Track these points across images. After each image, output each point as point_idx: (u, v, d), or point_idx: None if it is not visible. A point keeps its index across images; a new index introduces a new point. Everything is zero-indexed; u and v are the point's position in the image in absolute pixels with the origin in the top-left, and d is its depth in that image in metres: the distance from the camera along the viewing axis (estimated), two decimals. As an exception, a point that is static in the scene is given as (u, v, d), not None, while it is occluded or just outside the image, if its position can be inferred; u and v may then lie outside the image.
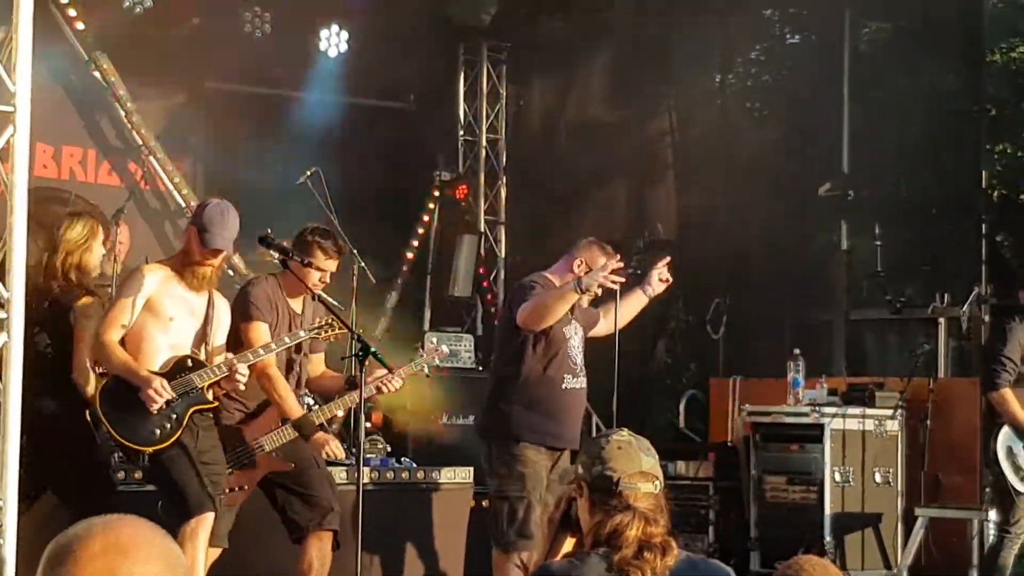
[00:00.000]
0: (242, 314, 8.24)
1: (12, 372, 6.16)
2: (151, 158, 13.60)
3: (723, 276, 14.51)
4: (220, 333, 7.95)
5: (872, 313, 13.97)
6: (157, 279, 7.64)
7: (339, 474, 10.95)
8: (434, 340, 9.33)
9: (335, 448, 8.42)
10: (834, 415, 11.56)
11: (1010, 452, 9.48)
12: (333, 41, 14.74)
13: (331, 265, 8.54)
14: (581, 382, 8.50)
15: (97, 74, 13.49)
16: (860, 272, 14.02)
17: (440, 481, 11.86)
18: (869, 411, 11.74)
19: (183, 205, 13.65)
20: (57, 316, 7.88)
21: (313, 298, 8.49)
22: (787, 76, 15.60)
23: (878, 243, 13.50)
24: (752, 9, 15.31)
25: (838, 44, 14.37)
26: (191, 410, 7.65)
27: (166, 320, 7.63)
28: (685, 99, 15.59)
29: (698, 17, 14.85)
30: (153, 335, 7.62)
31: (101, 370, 7.81)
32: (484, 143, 16.14)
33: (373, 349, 7.82)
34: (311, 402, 11.69)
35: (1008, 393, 9.52)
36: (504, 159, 16.26)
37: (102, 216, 9.26)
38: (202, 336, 7.78)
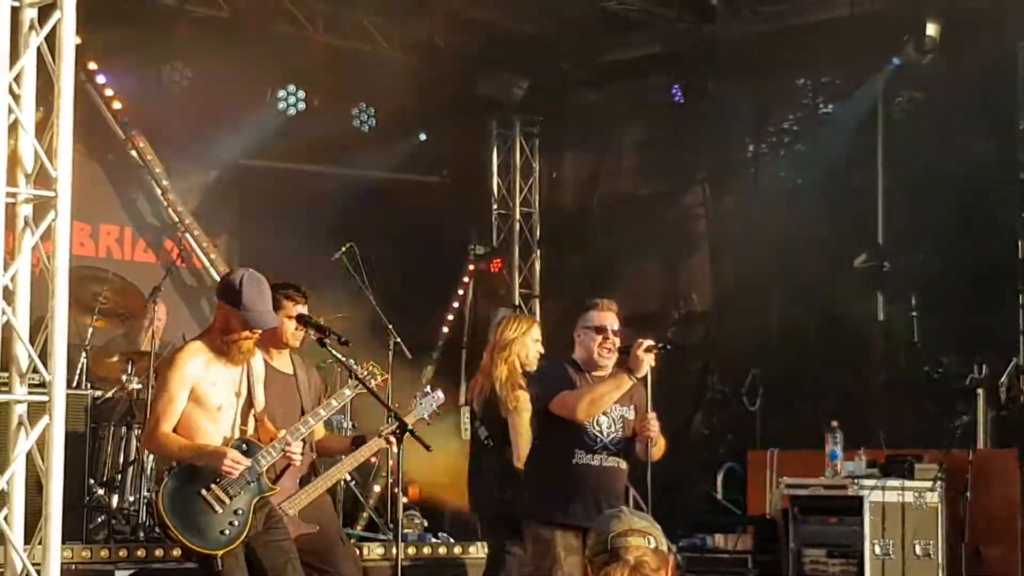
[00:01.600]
0: None
1: (55, 453, 6.18)
2: (187, 235, 13.69)
3: (759, 347, 14.48)
4: (260, 397, 7.70)
5: (910, 384, 13.91)
6: (199, 365, 7.42)
7: (376, 550, 10.94)
8: (428, 388, 9.28)
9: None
10: (873, 487, 11.48)
11: None
12: (363, 118, 14.85)
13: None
14: (602, 459, 8.33)
15: (134, 153, 13.61)
16: (897, 342, 13.97)
17: (477, 556, 11.82)
18: (908, 483, 11.65)
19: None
20: (492, 410, 9.01)
21: (351, 375, 8.42)
22: (821, 145, 15.58)
23: (914, 313, 13.47)
24: (785, 78, 15.34)
25: (871, 113, 14.38)
26: (255, 501, 7.49)
27: (214, 410, 7.44)
28: (718, 170, 15.61)
29: (730, 88, 14.91)
30: (202, 425, 7.42)
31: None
32: (518, 216, 16.21)
33: (410, 427, 7.82)
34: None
35: None
36: (538, 232, 16.31)
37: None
38: (248, 409, 7.61)
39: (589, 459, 8.26)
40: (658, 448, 8.33)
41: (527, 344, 9.46)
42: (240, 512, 7.38)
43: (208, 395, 7.40)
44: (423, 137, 15.54)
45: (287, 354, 8.44)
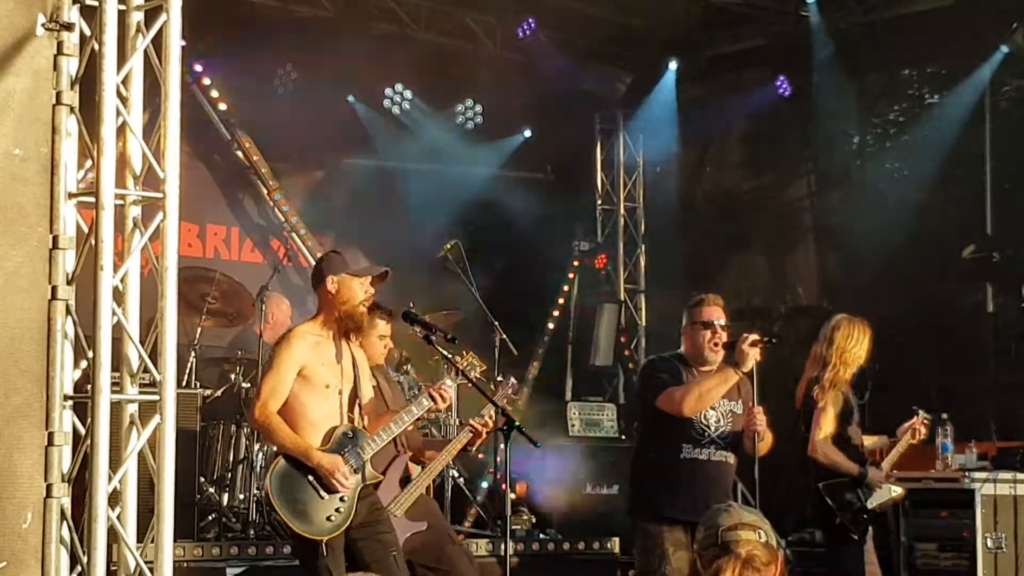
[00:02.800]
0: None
1: (166, 453, 6.23)
2: (293, 234, 13.80)
3: (867, 341, 14.36)
4: (367, 388, 7.85)
5: (1021, 376, 13.76)
6: (308, 344, 7.55)
7: (484, 546, 10.97)
8: (499, 377, 9.33)
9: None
10: (985, 480, 11.37)
11: None
12: (469, 115, 14.89)
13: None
14: (710, 453, 8.30)
15: (240, 153, 13.74)
16: (1008, 334, 13.82)
17: (585, 552, 11.83)
18: (1020, 475, 11.53)
19: (325, 280, 13.82)
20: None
21: (457, 373, 8.45)
22: (927, 136, 15.44)
23: (1024, 304, 13.34)
24: (890, 69, 15.21)
25: (978, 103, 14.22)
26: (359, 489, 7.55)
27: (322, 388, 7.53)
28: (823, 162, 15.51)
29: (835, 80, 14.80)
30: (310, 405, 7.51)
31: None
32: (622, 211, 16.18)
33: (517, 423, 7.83)
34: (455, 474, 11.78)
35: None
36: (642, 227, 16.28)
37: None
38: (354, 397, 7.68)
39: (697, 453, 8.25)
40: (765, 443, 8.31)
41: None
42: (345, 499, 7.46)
43: (317, 375, 7.50)
44: (528, 134, 15.55)
45: (369, 370, 8.54)
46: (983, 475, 11.41)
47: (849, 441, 9.19)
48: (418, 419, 8.26)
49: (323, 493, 7.43)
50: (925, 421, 9.86)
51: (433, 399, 7.82)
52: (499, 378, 9.39)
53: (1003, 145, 14.21)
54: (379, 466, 8.16)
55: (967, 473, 11.38)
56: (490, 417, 8.38)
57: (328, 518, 7.43)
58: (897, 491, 9.56)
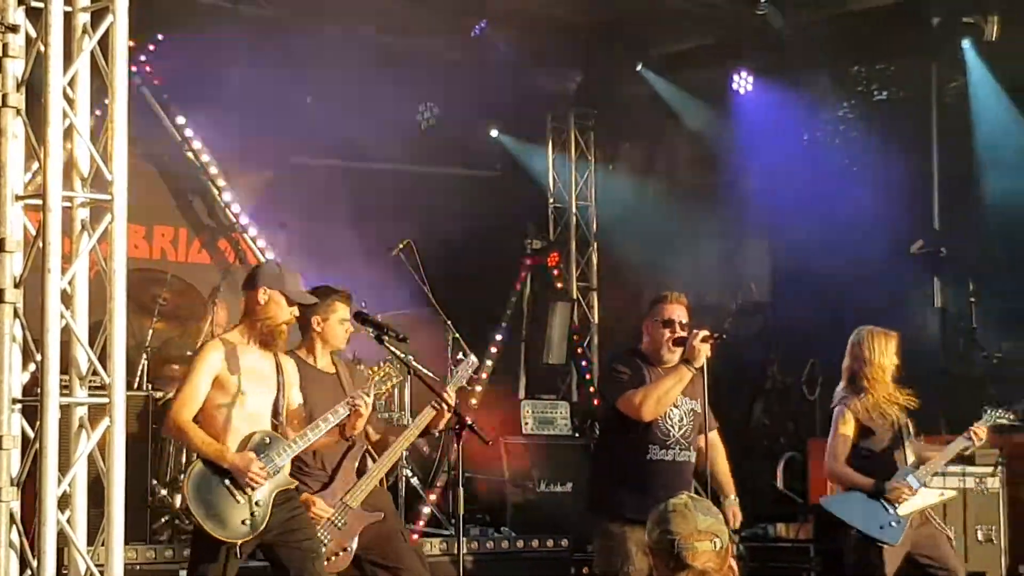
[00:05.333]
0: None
1: (116, 456, 6.24)
2: (243, 235, 13.78)
3: (817, 336, 14.42)
4: (294, 395, 7.89)
5: (969, 370, 13.85)
6: (224, 353, 7.58)
7: (438, 545, 10.99)
8: (461, 355, 9.35)
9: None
10: (934, 474, 11.43)
11: None
12: (424, 115, 14.89)
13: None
14: (675, 454, 8.34)
15: (189, 154, 13.71)
16: (955, 328, 13.90)
17: (539, 550, 11.86)
18: (969, 469, 11.61)
19: (277, 281, 13.81)
20: None
21: (410, 371, 8.45)
22: (875, 132, 15.52)
23: (972, 299, 13.41)
24: (839, 66, 15.28)
25: (925, 98, 14.31)
26: (275, 493, 7.60)
27: (238, 395, 7.57)
28: (774, 158, 15.57)
29: (785, 76, 14.87)
30: (228, 413, 7.56)
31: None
32: (574, 209, 16.21)
33: (470, 422, 7.83)
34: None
35: None
36: (594, 225, 16.31)
37: None
38: (276, 404, 7.72)
39: (663, 455, 8.28)
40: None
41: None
42: (260, 503, 7.50)
43: (230, 381, 7.55)
44: (495, 133, 15.59)
45: (329, 355, 8.53)
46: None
47: (871, 454, 9.18)
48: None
49: (238, 497, 7.47)
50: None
51: (352, 408, 7.78)
52: (460, 356, 9.41)
53: (950, 141, 14.30)
54: (332, 459, 8.21)
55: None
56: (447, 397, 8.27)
57: (243, 522, 7.48)
58: (945, 494, 9.56)
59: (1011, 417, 9.90)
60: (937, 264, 13.97)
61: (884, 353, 9.25)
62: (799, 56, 14.59)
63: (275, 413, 7.71)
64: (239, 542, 7.45)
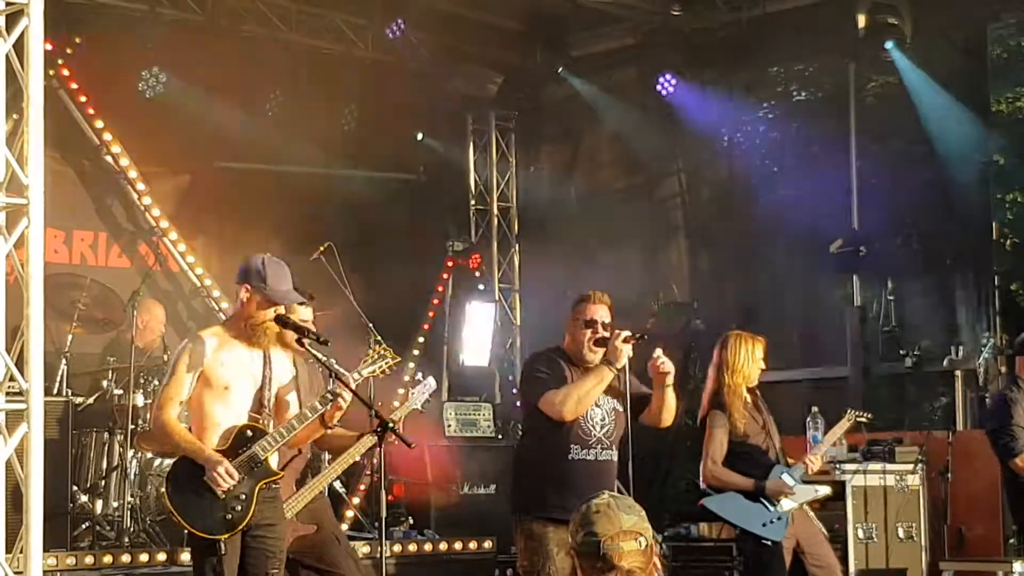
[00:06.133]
0: None
1: (34, 462, 6.19)
2: (163, 239, 13.71)
3: (738, 335, 14.52)
4: (289, 392, 7.69)
5: (888, 368, 13.97)
6: (210, 347, 7.44)
7: (361, 548, 10.96)
8: (419, 376, 9.35)
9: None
10: (855, 472, 11.55)
11: None
12: (343, 118, 14.85)
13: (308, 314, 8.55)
14: (597, 454, 8.34)
15: (108, 158, 13.62)
16: (875, 327, 14.01)
17: (463, 552, 11.87)
18: (890, 466, 11.71)
19: (198, 284, 13.75)
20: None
21: (330, 374, 8.40)
22: (795, 133, 15.64)
23: (891, 297, 13.52)
24: (758, 67, 15.38)
25: (844, 99, 14.42)
26: (259, 486, 7.44)
27: (222, 389, 7.42)
28: (694, 160, 15.66)
29: (705, 78, 14.94)
30: (213, 407, 7.42)
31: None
32: (496, 211, 16.23)
33: (391, 424, 7.80)
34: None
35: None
36: (516, 226, 16.34)
37: None
38: (260, 398, 7.55)
39: (585, 454, 8.25)
40: (669, 410, 8.30)
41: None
42: (244, 497, 7.36)
43: (217, 376, 7.39)
44: (420, 137, 15.59)
45: (291, 356, 8.47)
46: (853, 467, 11.57)
47: (750, 455, 9.26)
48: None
49: (218, 491, 7.36)
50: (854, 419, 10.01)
51: (329, 401, 7.71)
52: (418, 376, 9.40)
53: (868, 141, 14.42)
54: (279, 466, 8.12)
55: (838, 465, 11.52)
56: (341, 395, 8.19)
57: (225, 516, 7.32)
58: (820, 491, 9.67)
59: (868, 416, 10.21)
60: (856, 263, 14.07)
61: (750, 356, 9.33)
62: (719, 57, 14.67)
63: (258, 407, 7.58)
64: (223, 537, 7.34)
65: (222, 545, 7.30)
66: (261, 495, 7.45)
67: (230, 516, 7.31)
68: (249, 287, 7.50)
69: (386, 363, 8.09)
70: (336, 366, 8.13)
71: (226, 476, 7.27)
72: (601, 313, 8.34)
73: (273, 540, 7.60)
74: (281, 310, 7.57)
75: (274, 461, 7.55)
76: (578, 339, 8.33)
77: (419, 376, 9.42)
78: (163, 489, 7.43)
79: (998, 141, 14.19)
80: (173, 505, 7.32)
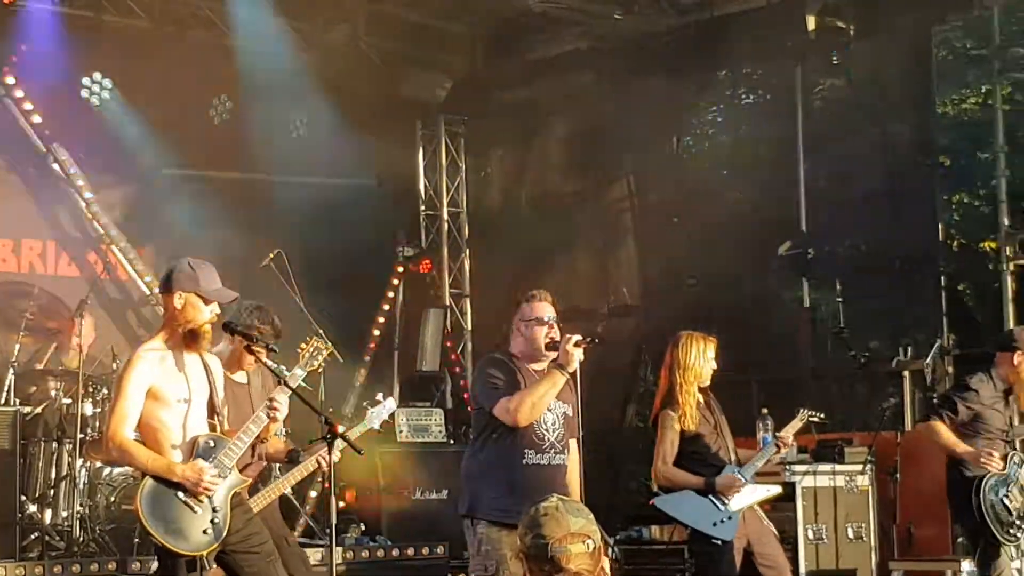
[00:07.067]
0: None
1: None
2: (112, 247, 13.66)
3: (688, 338, 14.55)
4: (220, 398, 7.65)
5: (838, 369, 14.04)
6: (153, 363, 7.34)
7: (314, 555, 10.95)
8: (379, 396, 9.38)
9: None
10: (805, 473, 11.60)
11: (992, 505, 9.47)
12: (292, 124, 14.83)
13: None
14: (550, 458, 8.35)
15: (56, 166, 13.56)
16: (824, 328, 14.08)
17: (415, 558, 11.87)
18: (839, 467, 11.78)
19: (147, 293, 13.70)
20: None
21: (279, 381, 8.38)
22: (744, 136, 15.71)
23: (840, 299, 13.59)
24: (705, 71, 15.43)
25: (791, 102, 14.48)
26: (230, 495, 7.42)
27: (174, 403, 7.34)
28: (642, 164, 15.69)
29: (654, 82, 14.98)
30: (167, 422, 7.32)
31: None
32: (446, 216, 16.23)
33: (341, 430, 7.79)
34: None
35: (940, 425, 9.56)
36: (466, 231, 16.35)
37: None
38: (212, 404, 7.49)
39: (539, 459, 8.26)
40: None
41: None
42: (219, 509, 7.32)
43: (166, 391, 7.32)
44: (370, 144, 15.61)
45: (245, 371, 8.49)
46: (803, 468, 11.63)
47: (701, 455, 9.30)
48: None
49: (195, 507, 7.26)
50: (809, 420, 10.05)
51: (268, 411, 7.69)
52: (378, 397, 9.42)
53: (816, 143, 14.48)
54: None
55: (787, 466, 11.57)
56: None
57: (204, 531, 7.27)
58: (771, 490, 9.71)
59: (820, 416, 10.23)
60: (805, 265, 14.14)
61: (701, 356, 9.36)
62: (668, 61, 14.71)
63: (212, 413, 7.53)
64: (205, 553, 7.31)
65: (206, 561, 7.28)
66: (233, 503, 7.44)
67: (208, 531, 7.28)
68: (182, 292, 7.47)
69: (322, 356, 8.10)
70: (285, 372, 8.13)
71: (211, 482, 7.25)
72: (548, 310, 8.36)
73: (263, 540, 7.64)
74: (216, 308, 7.54)
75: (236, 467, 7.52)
76: (532, 338, 8.33)
77: (379, 396, 9.43)
78: (139, 510, 7.23)
79: (944, 143, 14.29)
80: (152, 529, 7.22)
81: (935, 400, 9.65)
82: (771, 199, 14.68)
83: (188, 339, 7.41)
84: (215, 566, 7.48)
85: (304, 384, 8.33)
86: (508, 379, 8.27)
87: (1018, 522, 9.47)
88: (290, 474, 8.93)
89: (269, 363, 7.96)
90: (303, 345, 8.05)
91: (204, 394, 7.48)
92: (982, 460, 9.49)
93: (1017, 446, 9.75)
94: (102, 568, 10.29)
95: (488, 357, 8.70)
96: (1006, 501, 9.44)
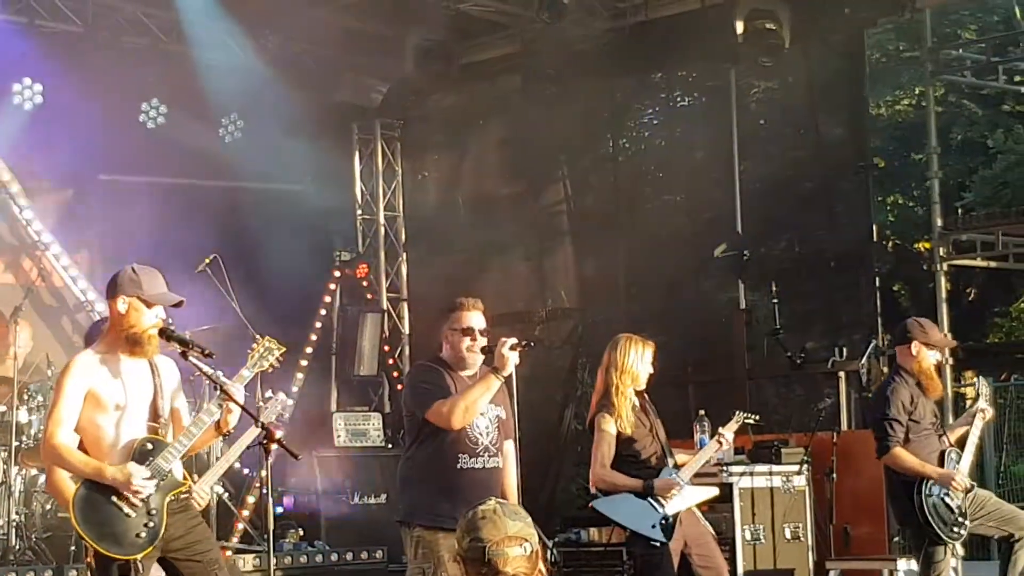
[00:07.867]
0: None
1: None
2: (46, 254, 13.57)
3: (626, 341, 14.59)
4: (178, 397, 7.63)
5: (773, 370, 14.12)
6: (91, 368, 7.31)
7: (251, 561, 10.93)
8: (270, 393, 9.37)
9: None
10: (742, 474, 11.65)
11: (935, 505, 9.51)
12: (226, 128, 14.77)
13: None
14: (484, 462, 8.37)
15: (-11, 173, 13.48)
16: (760, 330, 14.15)
17: (354, 562, 11.85)
18: (776, 468, 11.83)
19: (82, 299, 13.61)
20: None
21: (216, 387, 8.32)
22: (679, 138, 15.76)
23: (775, 300, 13.65)
24: (640, 73, 15.48)
25: (726, 105, 14.54)
26: (168, 499, 7.35)
27: (113, 407, 7.28)
28: (578, 167, 15.72)
29: (588, 85, 15.03)
30: (106, 427, 7.27)
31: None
32: (382, 220, 16.22)
33: (279, 437, 7.75)
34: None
35: (900, 451, 9.52)
36: (403, 236, 16.34)
37: None
38: (155, 408, 7.41)
39: (473, 463, 8.26)
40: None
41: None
42: (155, 512, 7.26)
43: (106, 395, 7.28)
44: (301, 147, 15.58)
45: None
46: (740, 469, 11.68)
47: (637, 457, 9.33)
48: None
49: (128, 511, 7.21)
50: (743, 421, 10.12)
51: (221, 406, 7.63)
52: (268, 395, 9.36)
53: (751, 146, 14.57)
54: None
55: (724, 468, 11.62)
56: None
57: (137, 535, 7.21)
58: (709, 492, 9.77)
59: (756, 418, 10.33)
60: (741, 267, 14.20)
61: (640, 360, 9.41)
62: (602, 65, 14.75)
63: (154, 417, 7.48)
64: (139, 557, 7.26)
65: (140, 564, 7.20)
66: (170, 507, 7.37)
67: (142, 534, 7.21)
68: (125, 297, 7.44)
69: (274, 357, 8.03)
70: (222, 378, 8.09)
71: (142, 484, 7.19)
72: (476, 320, 8.34)
73: (206, 548, 7.54)
74: (161, 312, 7.50)
75: (178, 471, 7.45)
76: (456, 347, 8.33)
77: (269, 393, 9.38)
78: (72, 514, 7.18)
79: (877, 144, 14.38)
80: (85, 533, 7.17)
81: (877, 434, 9.62)
82: (707, 201, 14.75)
83: (130, 344, 7.38)
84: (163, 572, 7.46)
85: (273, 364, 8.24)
86: (439, 385, 8.28)
87: (961, 520, 9.52)
88: (212, 470, 8.83)
89: (203, 367, 7.92)
90: (254, 344, 8.00)
91: (145, 399, 7.42)
92: (953, 483, 9.50)
93: (948, 439, 9.79)
94: (38, 576, 10.24)
95: (418, 364, 8.74)
96: (947, 499, 9.49)
